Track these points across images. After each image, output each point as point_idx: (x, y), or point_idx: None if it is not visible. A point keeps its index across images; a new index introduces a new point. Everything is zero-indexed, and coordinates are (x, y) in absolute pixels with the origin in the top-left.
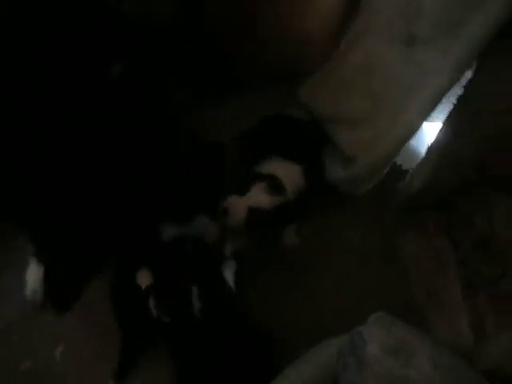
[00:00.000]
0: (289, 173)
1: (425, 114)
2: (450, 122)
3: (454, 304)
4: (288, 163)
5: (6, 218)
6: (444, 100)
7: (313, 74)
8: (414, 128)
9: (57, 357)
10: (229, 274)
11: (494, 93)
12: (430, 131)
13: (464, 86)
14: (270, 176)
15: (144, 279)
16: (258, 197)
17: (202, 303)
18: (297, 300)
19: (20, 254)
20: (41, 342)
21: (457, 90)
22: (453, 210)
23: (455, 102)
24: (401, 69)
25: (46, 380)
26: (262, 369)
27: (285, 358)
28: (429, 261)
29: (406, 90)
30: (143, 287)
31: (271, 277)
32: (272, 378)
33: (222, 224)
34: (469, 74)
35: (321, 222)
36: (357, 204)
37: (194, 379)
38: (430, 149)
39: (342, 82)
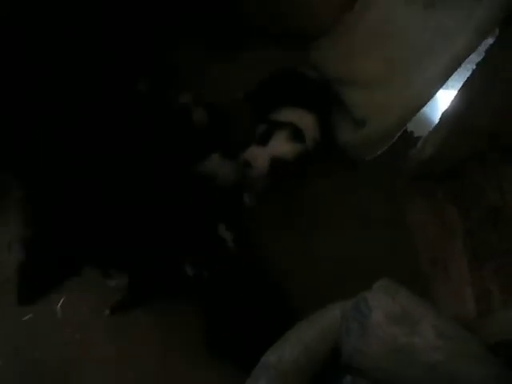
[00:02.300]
0: (305, 121)
1: (442, 81)
2: (466, 90)
3: (460, 274)
4: (302, 112)
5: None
6: (460, 67)
7: (326, 35)
8: (429, 94)
9: (57, 310)
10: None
11: None
12: (442, 98)
13: (484, 52)
14: (290, 124)
15: None
16: (281, 146)
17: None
18: (300, 261)
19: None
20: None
21: (474, 58)
22: (463, 179)
23: (473, 68)
24: (418, 32)
25: (46, 331)
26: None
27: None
28: (436, 229)
29: (423, 54)
30: None
31: (275, 237)
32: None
33: (242, 172)
34: (489, 41)
35: (329, 185)
36: (367, 169)
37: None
38: (444, 116)
39: (356, 44)
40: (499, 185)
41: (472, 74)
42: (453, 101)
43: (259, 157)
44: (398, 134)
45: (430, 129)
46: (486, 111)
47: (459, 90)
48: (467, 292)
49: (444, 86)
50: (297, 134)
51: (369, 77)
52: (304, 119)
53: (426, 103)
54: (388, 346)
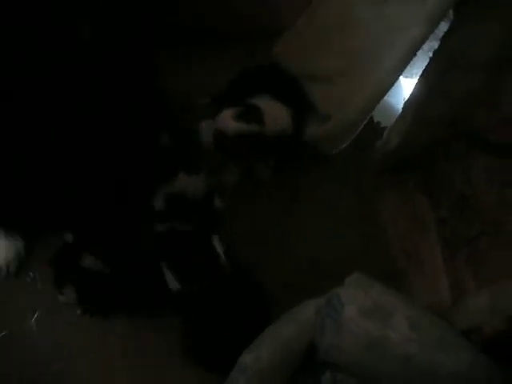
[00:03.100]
0: (275, 110)
1: (399, 69)
2: (424, 77)
3: (434, 265)
4: (278, 103)
5: None
6: (421, 56)
7: (285, 31)
8: (388, 84)
9: (32, 325)
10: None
11: (468, 46)
12: (407, 87)
13: (440, 39)
14: (251, 105)
15: None
16: (224, 121)
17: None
18: (272, 259)
19: None
20: (16, 310)
21: (434, 45)
22: (432, 169)
23: (430, 56)
24: (373, 23)
25: (21, 349)
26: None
27: None
28: (408, 221)
29: (380, 44)
30: None
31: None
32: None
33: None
34: (445, 27)
35: (297, 181)
36: (336, 163)
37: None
38: (406, 105)
39: (314, 39)
40: (465, 172)
41: (429, 62)
42: (414, 89)
43: (206, 128)
44: (361, 126)
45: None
46: (445, 98)
47: (419, 78)
48: (442, 282)
49: (407, 75)
50: (249, 114)
51: (329, 70)
52: (274, 107)
53: (384, 94)
54: (362, 341)
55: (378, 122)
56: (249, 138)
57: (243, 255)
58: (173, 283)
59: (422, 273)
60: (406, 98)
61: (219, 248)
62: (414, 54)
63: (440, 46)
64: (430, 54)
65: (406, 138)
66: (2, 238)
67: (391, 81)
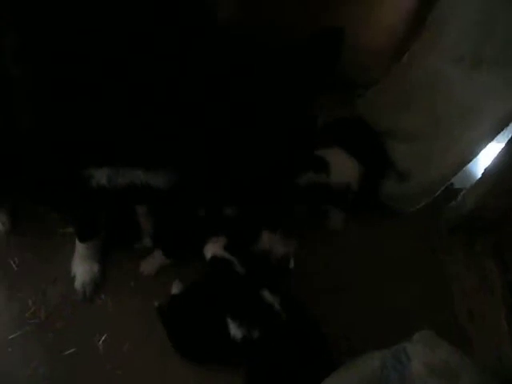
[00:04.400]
0: (343, 164)
1: (487, 141)
2: (509, 147)
3: (498, 327)
4: (349, 157)
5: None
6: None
7: (372, 86)
8: (473, 153)
9: (99, 346)
10: None
11: None
12: (485, 151)
13: None
14: (318, 157)
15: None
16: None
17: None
18: (334, 308)
19: (68, 242)
20: (84, 330)
21: None
22: (502, 232)
23: None
24: (464, 90)
25: (87, 367)
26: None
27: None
28: (473, 282)
29: (469, 111)
30: None
31: (309, 285)
32: None
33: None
34: None
35: (367, 232)
36: (406, 219)
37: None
38: (487, 171)
39: (402, 97)
40: None
41: None
42: (497, 157)
43: None
44: (441, 189)
45: (471, 181)
46: None
47: (503, 148)
48: (505, 345)
49: None
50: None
51: (413, 130)
52: (342, 162)
53: (469, 162)
54: None
55: (452, 183)
56: (316, 187)
57: (305, 303)
58: (235, 331)
59: (485, 333)
60: (488, 165)
61: (270, 298)
62: (506, 126)
63: None
64: None
65: (483, 203)
66: (81, 262)
67: (477, 151)
